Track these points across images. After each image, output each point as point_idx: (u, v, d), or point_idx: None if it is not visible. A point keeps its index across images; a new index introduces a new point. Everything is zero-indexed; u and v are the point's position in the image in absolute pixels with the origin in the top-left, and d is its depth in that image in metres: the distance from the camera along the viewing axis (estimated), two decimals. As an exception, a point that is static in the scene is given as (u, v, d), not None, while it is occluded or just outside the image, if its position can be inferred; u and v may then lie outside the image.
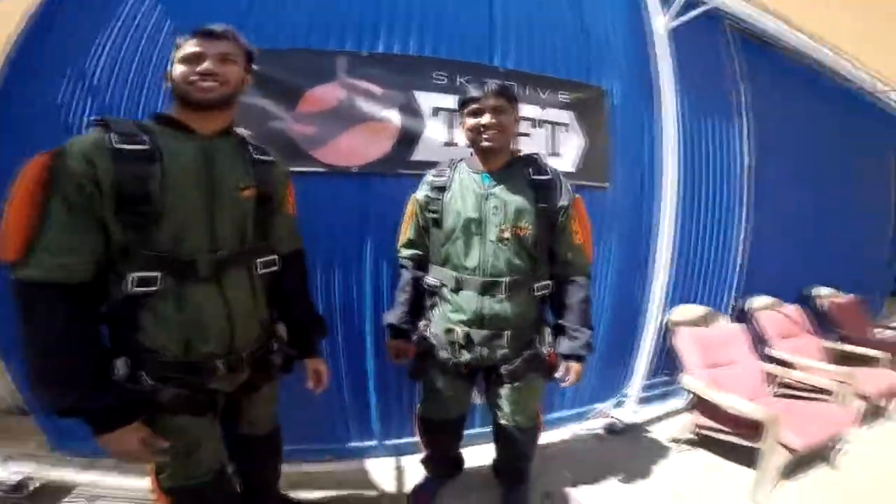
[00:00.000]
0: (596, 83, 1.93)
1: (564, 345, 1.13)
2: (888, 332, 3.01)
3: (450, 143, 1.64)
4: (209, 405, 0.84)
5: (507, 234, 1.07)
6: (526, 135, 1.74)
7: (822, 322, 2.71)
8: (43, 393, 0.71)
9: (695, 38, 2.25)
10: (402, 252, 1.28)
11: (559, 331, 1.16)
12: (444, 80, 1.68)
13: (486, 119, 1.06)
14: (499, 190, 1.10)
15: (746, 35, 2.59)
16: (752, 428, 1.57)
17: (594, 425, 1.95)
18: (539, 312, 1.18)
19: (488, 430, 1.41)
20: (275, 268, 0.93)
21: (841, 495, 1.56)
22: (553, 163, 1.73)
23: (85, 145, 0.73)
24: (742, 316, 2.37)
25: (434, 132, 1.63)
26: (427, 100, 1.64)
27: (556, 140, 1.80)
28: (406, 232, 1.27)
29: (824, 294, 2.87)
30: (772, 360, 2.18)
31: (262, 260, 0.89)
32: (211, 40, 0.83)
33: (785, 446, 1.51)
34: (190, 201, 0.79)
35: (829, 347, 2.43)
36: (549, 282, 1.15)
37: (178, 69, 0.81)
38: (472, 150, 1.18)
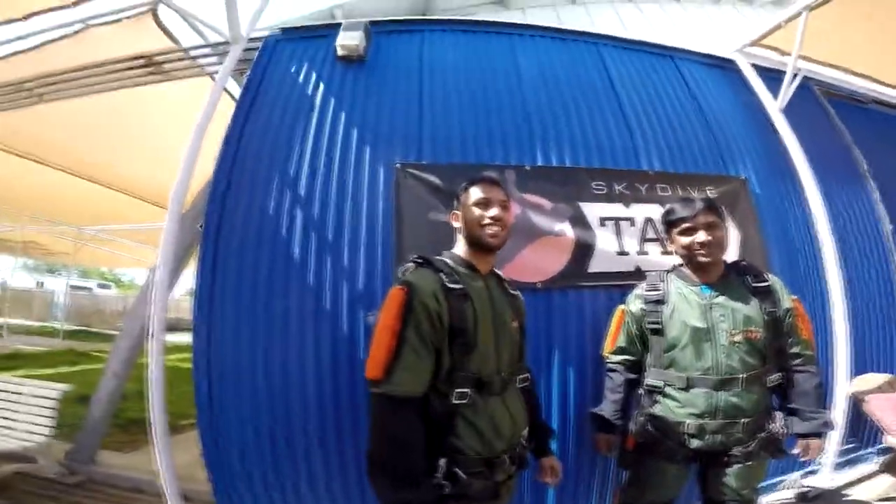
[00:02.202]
0: (734, 173, 2.03)
1: (801, 426, 1.19)
2: None
3: (622, 253, 1.73)
4: (495, 495, 0.95)
5: (738, 338, 1.16)
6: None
7: None
8: (385, 487, 0.83)
9: (800, 113, 2.35)
10: (611, 358, 1.38)
11: (793, 414, 1.21)
12: (603, 189, 1.82)
13: (702, 237, 1.17)
14: (722, 300, 1.19)
15: (840, 99, 2.68)
16: None
17: (785, 496, 1.86)
18: (770, 400, 1.24)
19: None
20: (527, 384, 1.09)
21: None
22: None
23: (431, 285, 0.90)
24: None
25: (605, 243, 1.73)
26: (592, 210, 1.77)
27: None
28: (615, 340, 1.38)
29: None
30: None
31: (520, 377, 1.06)
32: (492, 187, 1.02)
33: None
34: (488, 334, 0.96)
35: None
36: (779, 374, 1.21)
37: (474, 211, 1.00)
38: (680, 263, 1.28)
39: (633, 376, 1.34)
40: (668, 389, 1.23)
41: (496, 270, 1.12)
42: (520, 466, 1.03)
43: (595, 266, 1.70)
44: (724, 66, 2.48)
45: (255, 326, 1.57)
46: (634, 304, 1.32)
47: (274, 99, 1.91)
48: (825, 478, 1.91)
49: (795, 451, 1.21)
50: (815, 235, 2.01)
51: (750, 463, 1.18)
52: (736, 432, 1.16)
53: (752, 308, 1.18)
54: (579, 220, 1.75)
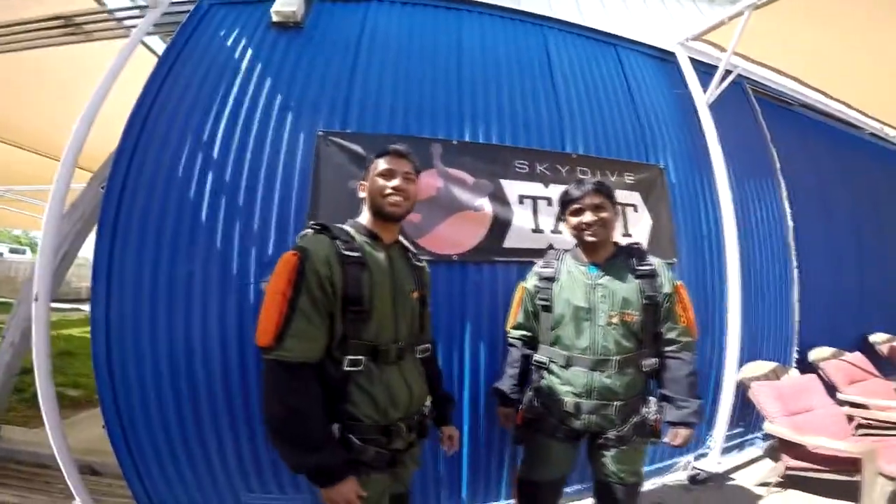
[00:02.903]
0: (654, 162, 2.12)
1: (672, 413, 1.21)
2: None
3: (537, 231, 1.79)
4: (391, 462, 0.97)
5: (615, 320, 1.20)
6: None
7: (886, 366, 2.76)
8: (287, 452, 0.84)
9: (728, 109, 2.47)
10: (511, 333, 1.42)
11: (666, 400, 1.24)
12: (525, 168, 1.86)
13: (588, 217, 1.21)
14: (606, 280, 1.23)
15: (768, 99, 2.84)
16: (848, 463, 1.67)
17: (677, 477, 2.00)
18: (645, 385, 1.27)
19: (579, 487, 1.58)
20: (428, 353, 1.11)
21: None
22: (624, 243, 1.88)
23: (325, 251, 0.90)
24: (807, 367, 2.43)
25: (522, 220, 1.79)
26: (512, 188, 1.81)
27: (627, 221, 1.95)
28: (515, 315, 1.41)
29: (882, 339, 2.94)
30: (845, 403, 2.25)
31: (420, 347, 1.08)
32: (398, 159, 1.02)
33: (886, 476, 1.62)
34: (385, 303, 0.96)
35: (899, 387, 2.49)
36: (655, 359, 1.25)
37: (377, 181, 1.01)
38: (576, 243, 1.32)
39: (529, 352, 1.36)
40: (552, 366, 1.27)
41: (403, 241, 1.13)
42: (420, 435, 1.06)
43: (510, 242, 1.75)
44: (666, 59, 2.54)
45: (156, 291, 1.52)
46: (530, 280, 1.36)
47: (197, 61, 1.83)
48: (713, 461, 2.03)
49: (666, 439, 1.24)
50: (721, 227, 2.15)
51: (625, 447, 1.21)
52: (609, 414, 1.19)
53: (632, 291, 1.21)
54: (499, 197, 1.79)
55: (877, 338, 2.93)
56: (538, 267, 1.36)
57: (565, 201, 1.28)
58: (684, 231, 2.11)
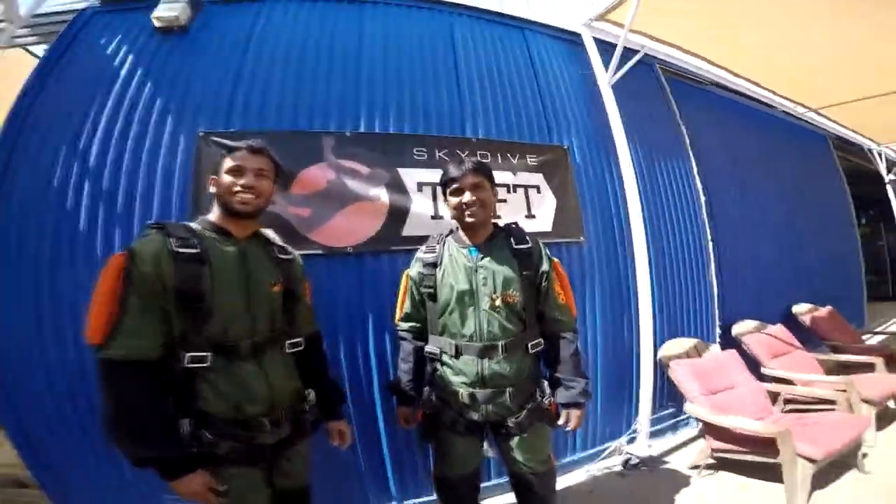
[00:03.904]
0: (559, 143, 2.14)
1: (562, 395, 1.20)
2: (876, 338, 3.13)
3: (436, 217, 1.77)
4: (258, 457, 0.97)
5: (497, 303, 1.16)
6: (503, 200, 1.87)
7: (810, 337, 2.79)
8: (124, 448, 0.85)
9: (637, 89, 2.52)
10: (400, 325, 1.34)
11: (556, 383, 1.22)
12: (424, 155, 1.84)
13: (467, 197, 1.16)
14: (486, 262, 1.19)
15: (679, 78, 2.92)
16: (768, 445, 1.61)
17: (610, 463, 1.96)
18: (535, 368, 1.24)
19: (504, 480, 1.48)
20: (300, 348, 1.09)
21: (874, 497, 1.57)
22: (530, 224, 1.87)
23: (153, 249, 0.89)
24: (730, 342, 2.43)
25: (421, 207, 1.76)
26: (411, 176, 1.79)
27: (530, 202, 1.95)
28: (402, 306, 1.32)
29: (803, 310, 2.96)
30: (770, 379, 2.23)
31: (289, 341, 1.06)
32: (251, 156, 1.01)
33: (804, 457, 1.55)
34: (233, 298, 0.95)
35: (822, 359, 2.51)
36: (540, 340, 1.23)
37: (225, 179, 0.99)
38: (457, 225, 1.28)
39: (422, 343, 1.29)
40: (443, 357, 1.21)
41: (267, 234, 1.10)
42: (299, 431, 1.03)
43: (409, 230, 1.72)
44: (575, 41, 2.52)
45: (41, 304, 1.46)
46: (414, 267, 1.29)
47: (75, 70, 1.76)
48: (642, 445, 1.99)
49: (560, 422, 1.20)
50: (628, 205, 2.15)
51: (525, 434, 1.18)
52: (504, 401, 1.15)
53: (512, 271, 1.18)
54: (396, 185, 1.76)
55: (800, 308, 2.96)
56: (421, 252, 1.29)
57: (444, 182, 1.23)
58: (591, 210, 2.12)
